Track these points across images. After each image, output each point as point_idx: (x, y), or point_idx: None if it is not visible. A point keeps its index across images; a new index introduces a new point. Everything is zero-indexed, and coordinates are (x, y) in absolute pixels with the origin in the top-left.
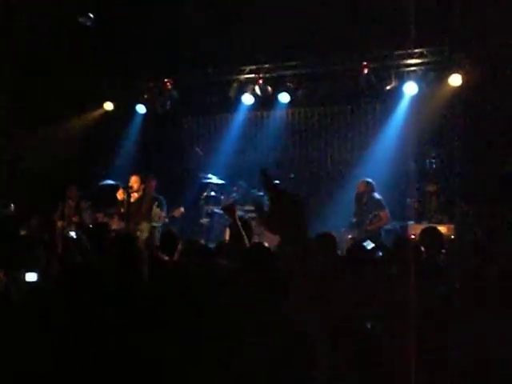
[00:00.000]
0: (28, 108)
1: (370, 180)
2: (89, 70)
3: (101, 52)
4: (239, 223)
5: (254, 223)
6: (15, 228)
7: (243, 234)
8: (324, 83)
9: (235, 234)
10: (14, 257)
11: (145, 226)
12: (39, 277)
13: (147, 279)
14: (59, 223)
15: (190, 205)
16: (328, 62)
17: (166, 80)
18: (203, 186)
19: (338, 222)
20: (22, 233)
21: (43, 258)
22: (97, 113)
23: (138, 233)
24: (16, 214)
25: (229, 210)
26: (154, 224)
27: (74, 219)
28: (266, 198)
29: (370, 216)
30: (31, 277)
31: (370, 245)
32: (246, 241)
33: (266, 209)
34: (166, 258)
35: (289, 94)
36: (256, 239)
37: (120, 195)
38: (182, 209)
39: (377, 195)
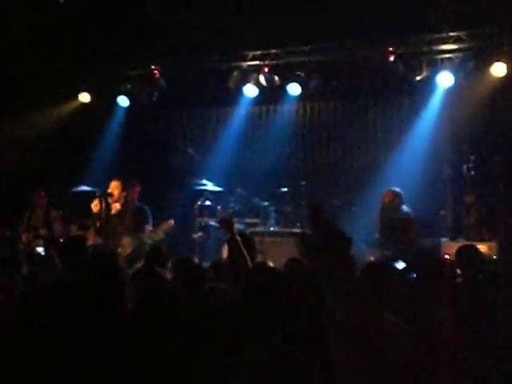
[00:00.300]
0: None
1: (397, 190)
2: (61, 55)
3: (75, 34)
4: (239, 239)
5: (257, 239)
6: None
7: (244, 251)
8: (342, 73)
9: (234, 252)
10: None
11: (127, 241)
12: (0, 301)
13: (131, 305)
14: (24, 237)
15: (181, 216)
16: (347, 48)
17: (152, 67)
18: (196, 194)
19: (358, 239)
20: None
21: (5, 278)
22: (70, 105)
23: (120, 249)
24: None
25: (226, 222)
26: (146, 240)
27: (42, 232)
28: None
29: (397, 233)
30: None
31: (400, 265)
32: (248, 260)
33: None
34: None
35: (300, 84)
36: (259, 258)
37: (95, 206)
38: (172, 221)
39: (406, 208)
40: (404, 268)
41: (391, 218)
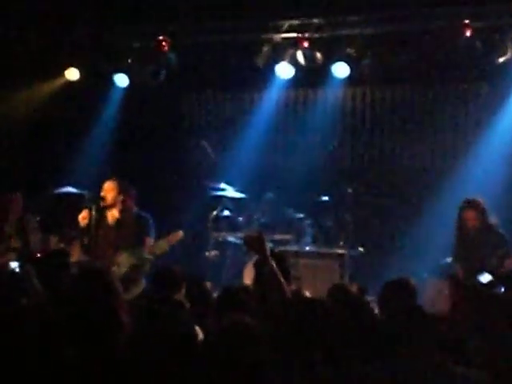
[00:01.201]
0: None
1: (479, 201)
2: (42, 20)
3: None
4: (273, 263)
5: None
6: None
7: (281, 280)
8: (402, 50)
9: (267, 278)
10: None
11: (124, 258)
12: None
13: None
14: None
15: (192, 229)
16: (409, 19)
17: (160, 38)
18: (212, 202)
19: (419, 264)
20: None
21: None
22: (53, 84)
23: (115, 267)
24: None
25: (255, 242)
26: (145, 256)
27: (16, 243)
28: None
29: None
30: None
31: (486, 278)
32: (287, 291)
33: None
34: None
35: (348, 64)
36: (294, 285)
37: (83, 219)
38: (181, 233)
39: (494, 220)
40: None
41: (480, 239)
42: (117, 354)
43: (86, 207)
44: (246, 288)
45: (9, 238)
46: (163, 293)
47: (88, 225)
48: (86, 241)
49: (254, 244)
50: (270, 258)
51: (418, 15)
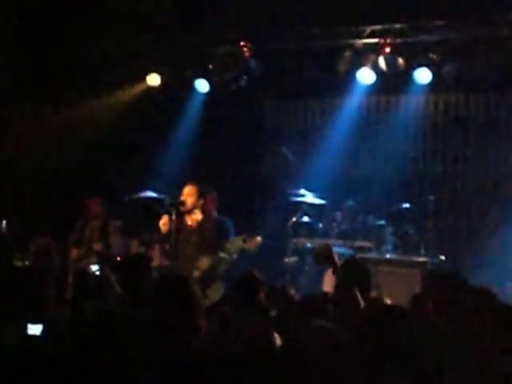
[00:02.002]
0: (32, 83)
1: None
2: (125, 28)
3: (143, 2)
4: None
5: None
6: (7, 257)
7: (354, 290)
8: (487, 56)
9: (343, 285)
10: (6, 300)
11: (205, 262)
12: (46, 330)
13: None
14: (74, 251)
15: (271, 234)
16: (495, 23)
17: (241, 43)
18: (291, 208)
19: (500, 272)
20: (18, 263)
21: (50, 302)
22: (135, 90)
23: (196, 272)
24: (9, 236)
25: (323, 254)
26: (223, 255)
27: (97, 247)
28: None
29: None
30: (35, 329)
31: None
32: (359, 298)
33: None
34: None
35: (430, 70)
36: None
37: (164, 226)
38: (259, 238)
39: None
40: None
41: None
42: (193, 355)
43: (165, 213)
44: (326, 295)
45: (89, 242)
46: (244, 297)
47: (169, 230)
48: (167, 247)
49: (323, 257)
50: (339, 268)
51: (502, 21)
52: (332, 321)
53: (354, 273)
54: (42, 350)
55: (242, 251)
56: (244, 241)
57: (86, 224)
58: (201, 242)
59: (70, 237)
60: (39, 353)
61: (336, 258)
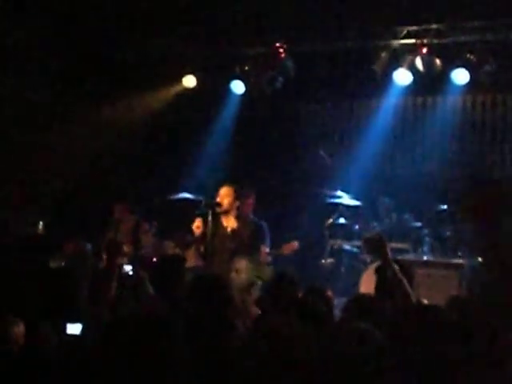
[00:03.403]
0: (68, 85)
1: None
2: (162, 29)
3: (180, 2)
4: (395, 266)
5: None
6: (44, 258)
7: (406, 285)
8: None
9: (390, 282)
10: (43, 301)
11: (243, 264)
12: (85, 329)
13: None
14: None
15: (307, 236)
16: None
17: (277, 45)
18: (328, 209)
19: None
20: (53, 264)
21: (84, 303)
22: (171, 91)
23: (233, 274)
24: (46, 237)
25: (375, 245)
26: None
27: (127, 248)
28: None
29: None
30: (74, 329)
31: None
32: (413, 297)
33: None
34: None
35: (468, 71)
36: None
37: (197, 228)
38: (296, 244)
39: None
40: None
41: None
42: (229, 355)
43: (201, 214)
44: (367, 296)
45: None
46: (279, 298)
47: (203, 233)
48: (201, 248)
49: (374, 247)
50: (391, 260)
51: None
52: (374, 321)
53: (404, 273)
54: (82, 350)
55: (278, 256)
56: (284, 252)
57: (118, 226)
58: (237, 243)
59: (103, 239)
60: (79, 352)
61: (388, 250)
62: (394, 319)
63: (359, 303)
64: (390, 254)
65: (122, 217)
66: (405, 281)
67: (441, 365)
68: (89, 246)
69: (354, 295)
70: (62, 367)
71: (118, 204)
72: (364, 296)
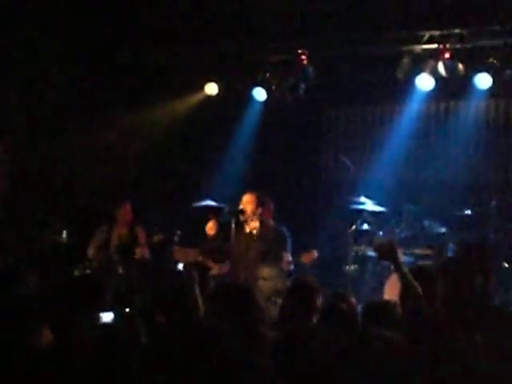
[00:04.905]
0: (90, 93)
1: None
2: (182, 36)
3: (198, 8)
4: (406, 271)
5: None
6: (68, 268)
7: (416, 287)
8: None
9: (402, 287)
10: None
11: (267, 272)
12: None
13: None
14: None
15: (331, 243)
16: None
17: (299, 51)
18: (352, 216)
19: None
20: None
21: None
22: (194, 99)
23: (260, 282)
24: (70, 245)
25: (386, 250)
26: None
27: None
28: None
29: None
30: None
31: None
32: (422, 301)
33: None
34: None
35: (491, 75)
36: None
37: (210, 229)
38: (315, 253)
39: None
40: None
41: None
42: (256, 365)
43: (213, 218)
44: (390, 302)
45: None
46: (299, 305)
47: (215, 235)
48: (216, 254)
49: (385, 252)
50: (403, 265)
51: None
52: (398, 329)
53: (421, 281)
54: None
55: (298, 265)
56: (303, 261)
57: (112, 231)
58: (260, 250)
59: (92, 241)
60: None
61: (400, 255)
62: (406, 323)
63: (378, 309)
64: (401, 258)
65: (125, 219)
66: (417, 285)
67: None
68: (114, 255)
69: (370, 301)
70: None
71: (123, 205)
72: (383, 302)
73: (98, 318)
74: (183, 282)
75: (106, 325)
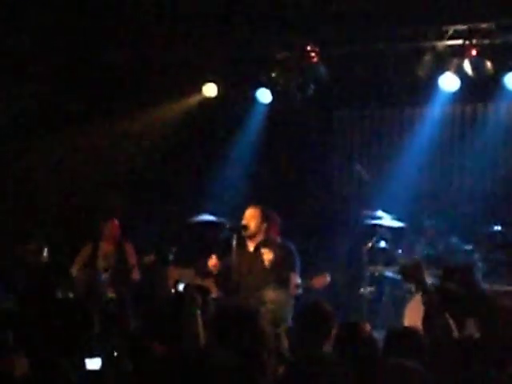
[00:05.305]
0: (80, 96)
1: None
2: (180, 33)
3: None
4: (435, 297)
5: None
6: (50, 290)
7: (446, 315)
8: None
9: (427, 312)
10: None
11: (272, 296)
12: (105, 364)
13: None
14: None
15: (344, 262)
16: None
17: (308, 48)
18: (367, 232)
19: None
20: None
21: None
22: (191, 101)
23: (264, 307)
24: (51, 264)
25: (412, 272)
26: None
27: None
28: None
29: None
30: (94, 364)
31: None
32: (450, 326)
33: None
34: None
35: None
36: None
37: (213, 267)
38: (328, 277)
39: None
40: None
41: None
42: None
43: (225, 239)
44: (413, 329)
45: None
46: (311, 333)
47: (217, 269)
48: (223, 278)
49: (411, 274)
50: (431, 288)
51: None
52: (421, 358)
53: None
54: None
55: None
56: (314, 285)
57: (97, 248)
58: (265, 270)
59: (76, 259)
60: None
61: (427, 277)
62: (433, 353)
63: (401, 337)
64: (428, 280)
65: (112, 235)
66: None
67: None
68: (101, 275)
69: (394, 329)
70: None
71: (110, 221)
72: (406, 329)
73: (83, 358)
74: (184, 305)
75: (93, 372)
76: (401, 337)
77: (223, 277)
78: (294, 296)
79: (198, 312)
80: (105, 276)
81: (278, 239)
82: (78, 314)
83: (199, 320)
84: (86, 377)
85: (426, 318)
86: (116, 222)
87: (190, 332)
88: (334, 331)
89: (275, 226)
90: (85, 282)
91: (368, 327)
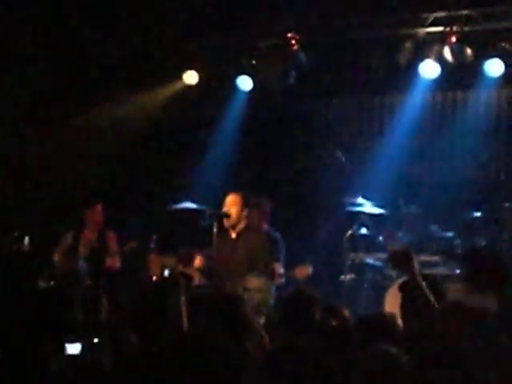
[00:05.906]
0: (65, 82)
1: None
2: (158, 20)
3: None
4: (423, 284)
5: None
6: (31, 279)
7: (431, 300)
8: None
9: (415, 299)
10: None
11: (255, 283)
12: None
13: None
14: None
15: (325, 249)
16: None
17: (288, 35)
18: (348, 219)
19: None
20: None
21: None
22: (171, 88)
23: (246, 294)
24: (32, 253)
25: (401, 258)
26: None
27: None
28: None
29: None
30: (73, 349)
31: None
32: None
33: None
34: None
35: (503, 61)
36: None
37: (198, 263)
38: (310, 268)
39: None
40: None
41: None
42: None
43: (206, 226)
44: (390, 316)
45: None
46: (296, 318)
47: (202, 268)
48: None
49: (400, 260)
50: (419, 276)
51: None
52: (398, 344)
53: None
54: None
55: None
56: (295, 276)
57: (79, 236)
58: (247, 258)
59: (57, 248)
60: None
61: (416, 264)
62: (419, 342)
63: (374, 323)
64: (417, 268)
65: (95, 221)
66: (432, 297)
67: None
68: (82, 264)
69: (369, 315)
70: None
71: (93, 207)
72: (379, 316)
73: (64, 343)
74: (169, 291)
75: (73, 356)
76: (371, 322)
77: (207, 267)
78: (276, 285)
79: (183, 298)
80: (84, 263)
81: (265, 227)
82: (58, 301)
83: (183, 306)
84: (64, 361)
85: (404, 304)
86: (99, 207)
87: (174, 318)
88: (317, 315)
89: (265, 213)
90: (65, 269)
91: (347, 312)
